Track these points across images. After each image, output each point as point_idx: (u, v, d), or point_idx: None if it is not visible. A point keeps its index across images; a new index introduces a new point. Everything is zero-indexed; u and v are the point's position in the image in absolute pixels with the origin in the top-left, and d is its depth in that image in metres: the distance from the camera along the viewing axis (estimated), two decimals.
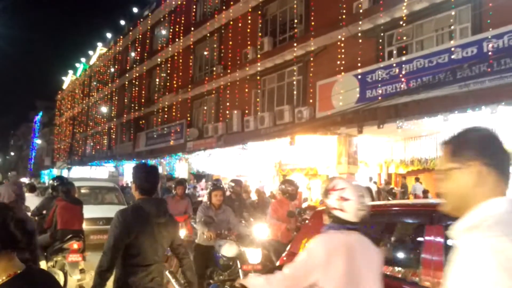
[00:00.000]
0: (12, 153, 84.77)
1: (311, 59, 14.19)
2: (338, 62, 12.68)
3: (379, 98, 10.85)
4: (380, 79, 11.13)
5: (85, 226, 6.76)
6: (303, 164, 14.47)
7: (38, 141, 61.10)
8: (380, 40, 12.18)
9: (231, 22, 18.15)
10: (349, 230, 2.17)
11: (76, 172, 25.90)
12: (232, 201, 7.76)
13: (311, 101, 13.76)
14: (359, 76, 11.73)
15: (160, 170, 21.64)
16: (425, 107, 9.68)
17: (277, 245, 5.96)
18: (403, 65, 10.62)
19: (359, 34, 12.40)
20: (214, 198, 5.64)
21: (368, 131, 11.17)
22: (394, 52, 12.04)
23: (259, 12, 17.01)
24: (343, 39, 12.80)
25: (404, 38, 11.70)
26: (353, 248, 2.09)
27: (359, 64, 11.97)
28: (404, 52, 11.53)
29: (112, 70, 32.33)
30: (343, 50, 12.72)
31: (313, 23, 14.17)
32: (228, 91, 18.17)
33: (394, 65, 10.90)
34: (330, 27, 13.13)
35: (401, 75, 10.57)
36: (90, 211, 8.44)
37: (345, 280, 2.01)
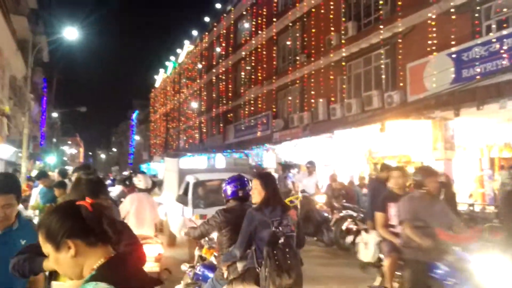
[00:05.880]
0: (114, 149, 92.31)
1: (399, 40, 13.55)
2: (429, 42, 11.97)
3: (478, 77, 10.07)
4: (478, 56, 10.33)
5: None
6: (395, 151, 13.90)
7: (136, 137, 65.83)
8: (476, 15, 11.23)
9: (313, 9, 17.93)
10: (140, 191, 6.16)
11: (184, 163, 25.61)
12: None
13: (401, 84, 13.18)
14: (454, 55, 10.99)
15: (250, 161, 22.14)
16: None
17: None
18: (505, 40, 9.75)
19: (452, 10, 11.56)
20: (430, 184, 3.91)
21: (466, 113, 10.41)
22: (493, 26, 11.05)
23: None
24: (433, 16, 12.05)
25: (504, 9, 10.70)
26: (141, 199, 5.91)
27: (452, 43, 11.20)
28: (505, 25, 10.55)
29: (200, 66, 33.62)
30: (434, 29, 11.99)
31: (400, 3, 13.49)
32: (312, 80, 18.02)
33: (494, 40, 10.04)
34: (419, 6, 12.44)
35: (502, 51, 9.71)
36: None
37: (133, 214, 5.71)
